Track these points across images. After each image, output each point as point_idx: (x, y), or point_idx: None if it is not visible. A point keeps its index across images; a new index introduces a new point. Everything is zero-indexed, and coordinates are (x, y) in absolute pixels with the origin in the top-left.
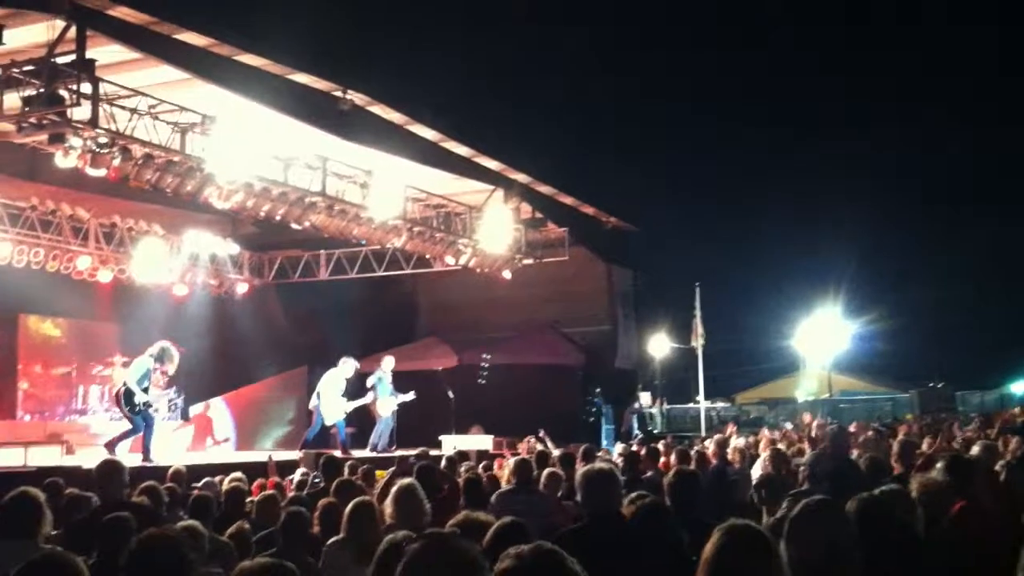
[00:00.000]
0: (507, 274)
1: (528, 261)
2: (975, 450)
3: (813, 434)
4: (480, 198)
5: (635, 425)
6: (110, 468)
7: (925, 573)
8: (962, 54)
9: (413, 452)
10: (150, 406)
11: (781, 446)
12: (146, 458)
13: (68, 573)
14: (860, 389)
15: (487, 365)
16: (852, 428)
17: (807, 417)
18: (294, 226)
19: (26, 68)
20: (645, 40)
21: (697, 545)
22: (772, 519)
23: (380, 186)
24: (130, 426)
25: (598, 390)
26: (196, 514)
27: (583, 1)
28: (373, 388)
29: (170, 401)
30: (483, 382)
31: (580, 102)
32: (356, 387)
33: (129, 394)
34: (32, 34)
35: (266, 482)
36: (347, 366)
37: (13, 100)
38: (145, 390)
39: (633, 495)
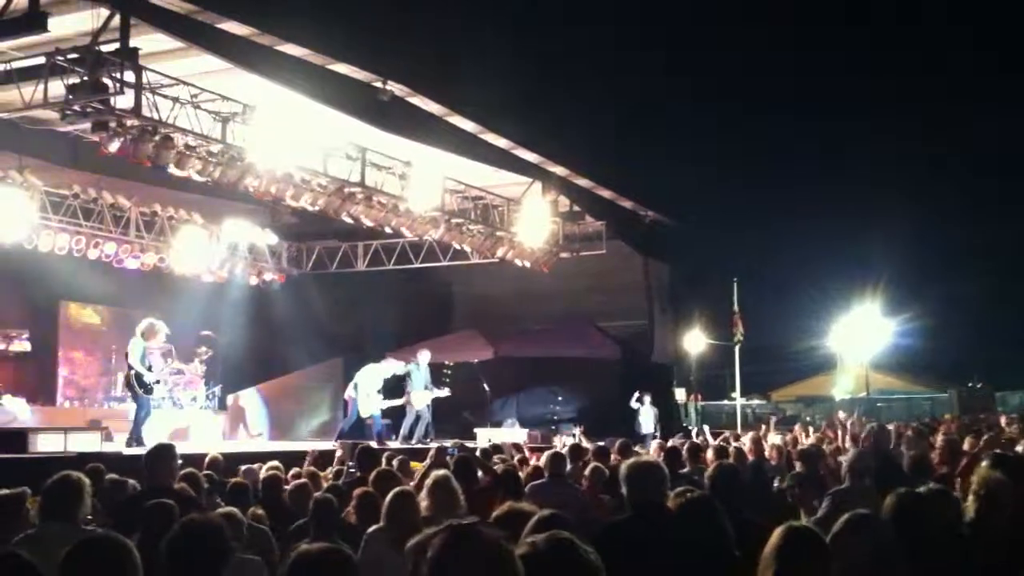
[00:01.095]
0: (544, 267)
1: (565, 254)
2: (1019, 449)
3: (850, 431)
4: (518, 190)
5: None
6: (161, 452)
7: (974, 570)
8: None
9: (448, 443)
10: (158, 382)
11: (823, 445)
12: (131, 442)
13: (119, 553)
14: (898, 388)
15: (449, 372)
16: (890, 427)
17: (841, 414)
18: (333, 216)
19: (70, 56)
20: (681, 40)
21: (739, 540)
22: (813, 518)
23: (418, 177)
24: (136, 408)
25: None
26: (234, 501)
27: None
28: (407, 377)
29: (207, 390)
30: (447, 389)
31: (621, 97)
32: (393, 384)
33: (139, 376)
34: (77, 22)
35: (302, 471)
36: (389, 365)
37: (57, 88)
38: (149, 368)
39: (679, 489)
